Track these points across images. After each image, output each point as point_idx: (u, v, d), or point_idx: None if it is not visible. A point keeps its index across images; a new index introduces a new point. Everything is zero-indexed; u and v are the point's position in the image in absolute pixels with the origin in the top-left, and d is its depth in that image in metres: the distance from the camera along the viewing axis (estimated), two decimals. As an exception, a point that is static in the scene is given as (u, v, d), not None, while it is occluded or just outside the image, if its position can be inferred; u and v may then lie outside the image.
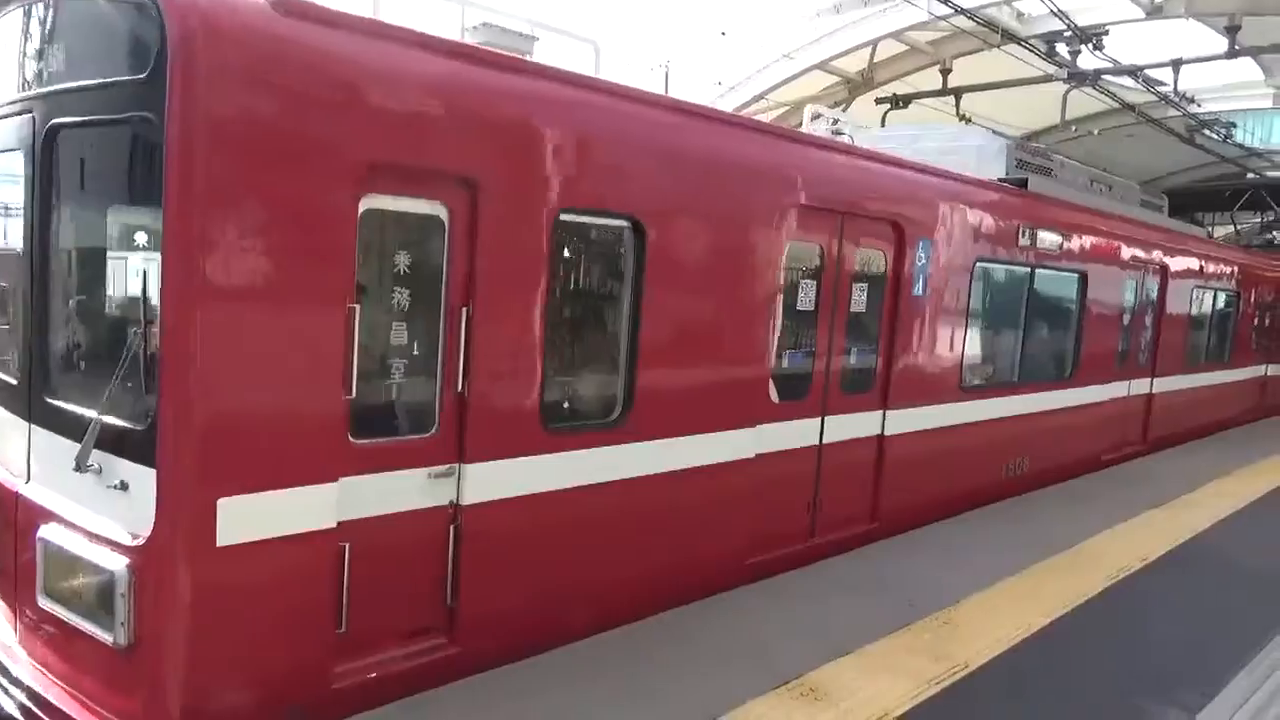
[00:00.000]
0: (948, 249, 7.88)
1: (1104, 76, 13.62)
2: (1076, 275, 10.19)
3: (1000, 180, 9.10)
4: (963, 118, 16.29)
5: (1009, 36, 13.65)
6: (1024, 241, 8.96)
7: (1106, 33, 12.85)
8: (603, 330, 5.56)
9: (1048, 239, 9.31)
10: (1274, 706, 4.91)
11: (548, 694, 4.40)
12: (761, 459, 6.25)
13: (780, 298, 6.34)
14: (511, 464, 4.75)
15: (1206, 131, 17.40)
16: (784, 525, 6.66)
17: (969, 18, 12.90)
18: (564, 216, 4.85)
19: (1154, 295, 12.22)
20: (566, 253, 5.21)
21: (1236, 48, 12.96)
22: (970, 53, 17.80)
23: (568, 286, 5.30)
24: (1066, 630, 5.77)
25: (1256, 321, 16.72)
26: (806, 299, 6.64)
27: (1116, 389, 11.38)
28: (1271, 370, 17.77)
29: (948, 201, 7.94)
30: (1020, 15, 17.07)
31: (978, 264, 8.34)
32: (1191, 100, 15.69)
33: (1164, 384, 12.73)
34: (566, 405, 5.28)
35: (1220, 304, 14.97)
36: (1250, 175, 22.73)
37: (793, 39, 19.40)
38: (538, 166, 4.73)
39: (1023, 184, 9.29)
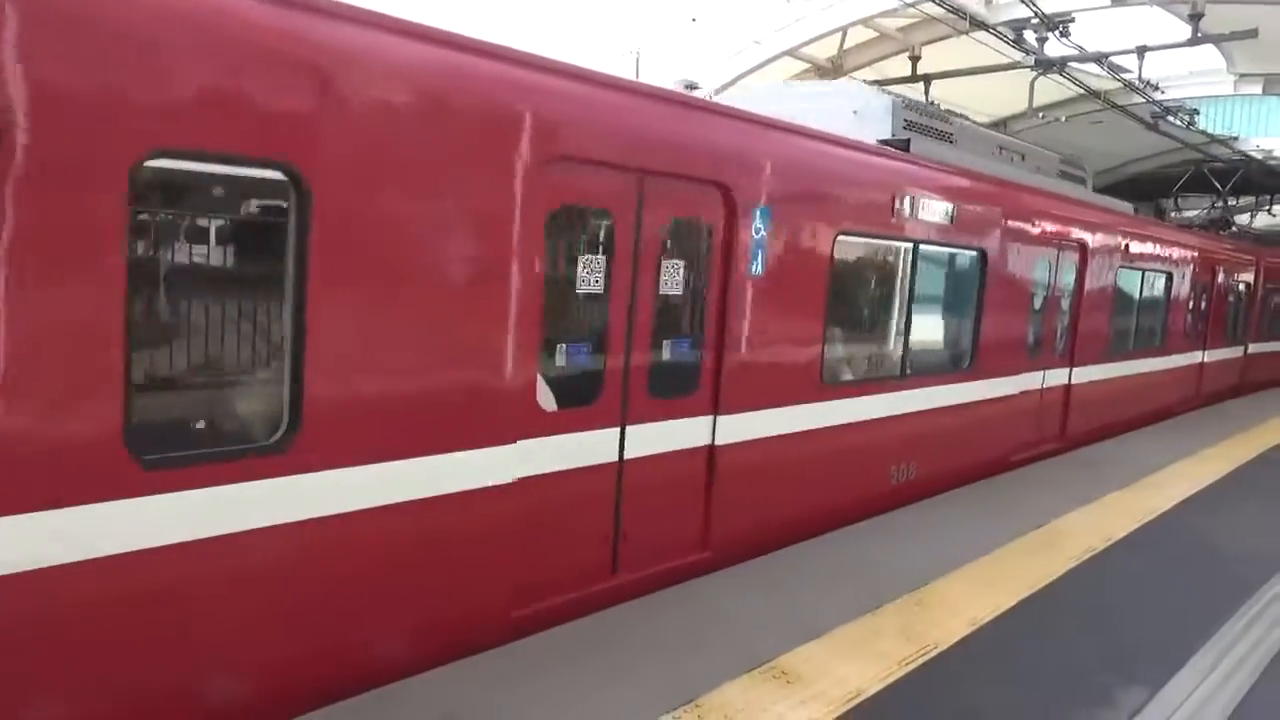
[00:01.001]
0: (796, 220, 6.59)
1: (1070, 64, 13.76)
2: (975, 253, 9.03)
3: (881, 142, 8.06)
4: (931, 104, 16.39)
5: (977, 23, 13.74)
6: (903, 213, 7.73)
7: (1073, 20, 13.00)
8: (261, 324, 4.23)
9: (935, 210, 8.13)
10: (1234, 680, 5.03)
11: (520, 680, 4.40)
12: (528, 483, 4.94)
13: (543, 277, 4.90)
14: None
15: (1170, 118, 17.65)
16: (571, 564, 5.34)
17: (938, 4, 12.96)
18: (153, 163, 3.45)
19: (1072, 277, 11.16)
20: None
21: (1199, 35, 13.13)
22: (939, 39, 17.93)
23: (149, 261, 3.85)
24: (1034, 610, 5.87)
25: (1194, 305, 15.65)
26: (592, 280, 5.32)
27: (1027, 381, 10.34)
28: (1210, 356, 16.86)
29: (796, 163, 6.71)
30: (988, 2, 17.19)
31: (839, 238, 7.01)
32: (1156, 87, 15.91)
33: (1085, 374, 11.67)
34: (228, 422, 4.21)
35: (1152, 286, 13.91)
36: (1215, 162, 23.06)
37: (762, 25, 19.40)
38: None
39: (905, 146, 8.18)
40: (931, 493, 8.45)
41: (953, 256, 9.02)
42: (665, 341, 5.84)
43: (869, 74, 18.65)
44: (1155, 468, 10.46)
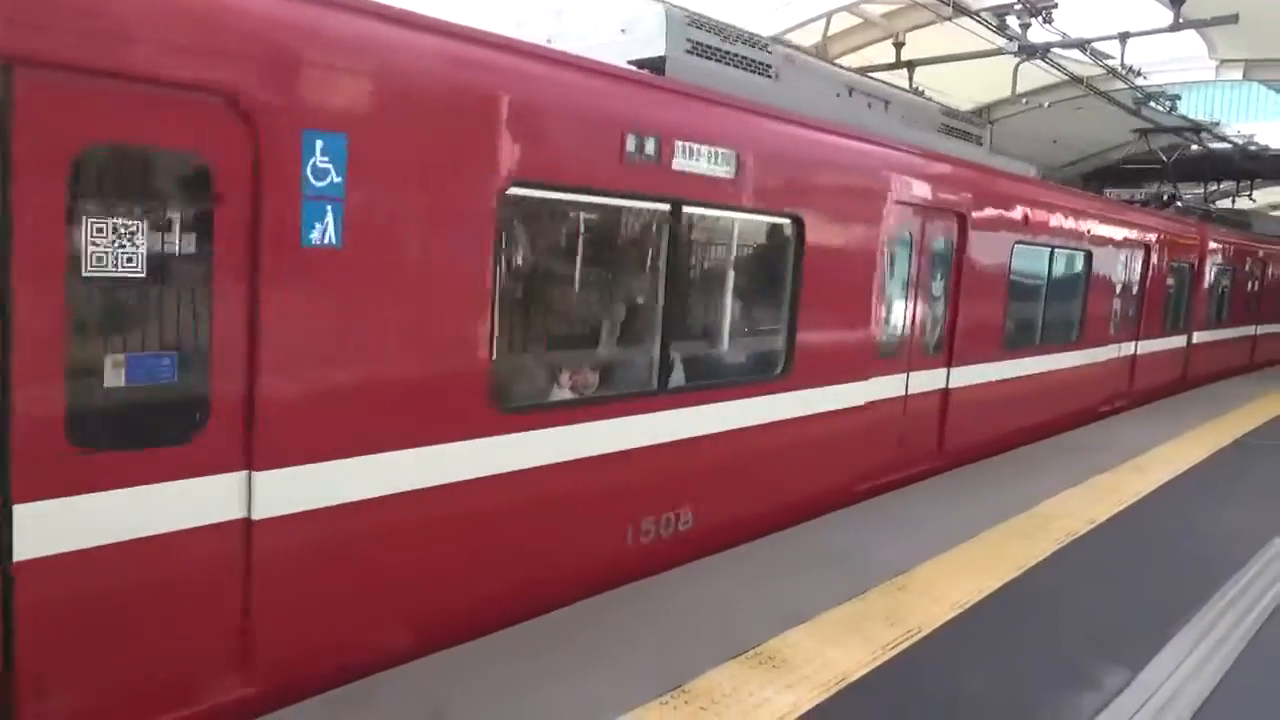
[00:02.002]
0: (410, 163, 4.32)
1: (1053, 50, 13.80)
2: (788, 221, 6.78)
3: (630, 63, 5.89)
4: (917, 91, 16.42)
5: (960, 9, 13.73)
6: (640, 160, 5.44)
7: (1056, 5, 13.01)
8: None
9: (709, 160, 5.96)
10: (1213, 661, 5.10)
11: (509, 663, 4.42)
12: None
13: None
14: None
15: (1152, 104, 17.73)
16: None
17: (921, -10, 12.96)
18: None
19: (948, 255, 9.00)
20: None
21: (1180, 20, 13.18)
22: (923, 26, 17.92)
23: None
24: (1017, 593, 5.93)
25: (1123, 289, 13.52)
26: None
27: (879, 388, 8.05)
28: (1145, 348, 14.67)
29: (405, 73, 4.28)
30: (972, -12, 17.21)
31: (510, 191, 4.77)
32: (1138, 74, 15.99)
33: (970, 375, 9.48)
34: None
35: (1066, 267, 11.68)
36: (1194, 148, 23.16)
37: (746, 11, 19.35)
38: None
39: (657, 67, 5.97)
40: (719, 546, 6.27)
41: (742, 225, 6.78)
42: (132, 352, 3.66)
43: (853, 60, 18.62)
44: (1137, 451, 10.55)
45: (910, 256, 8.47)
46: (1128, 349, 14.10)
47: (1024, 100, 20.34)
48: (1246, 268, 19.68)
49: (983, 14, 13.72)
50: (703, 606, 5.32)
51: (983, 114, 23.17)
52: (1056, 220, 11.07)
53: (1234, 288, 18.92)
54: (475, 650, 4.58)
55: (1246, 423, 13.17)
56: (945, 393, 9.16)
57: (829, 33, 19.93)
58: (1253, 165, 22.72)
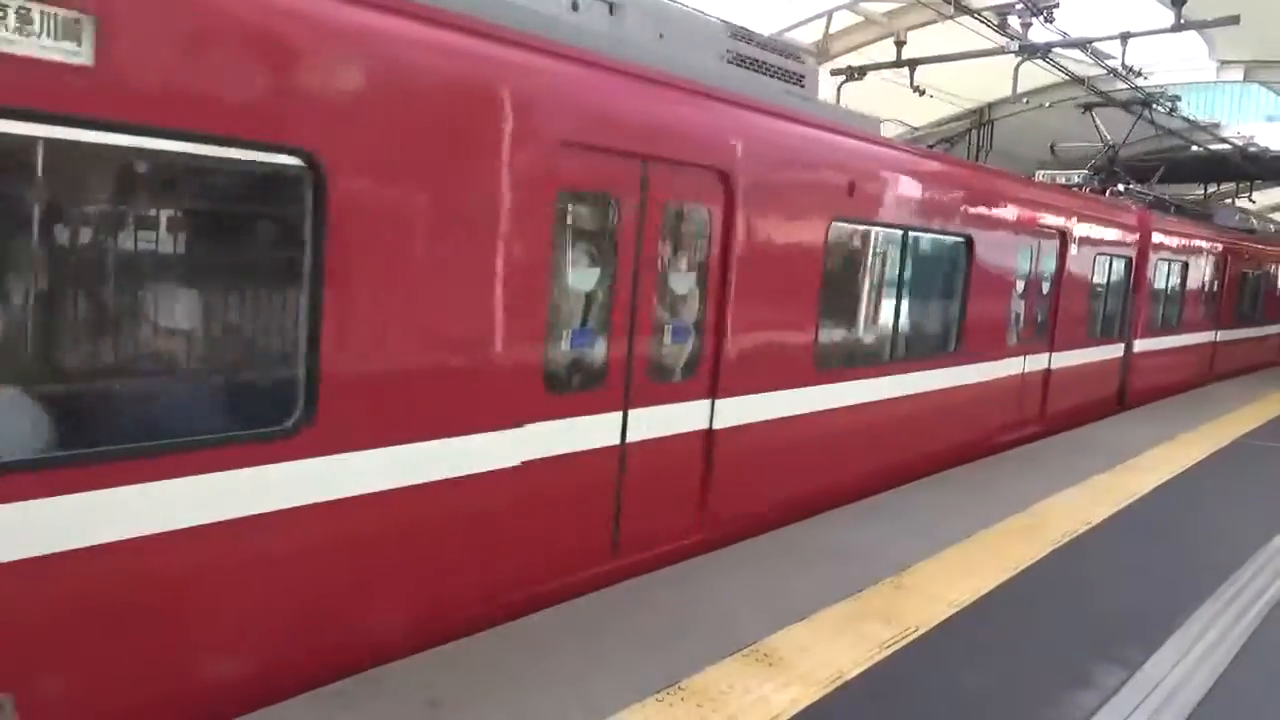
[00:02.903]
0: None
1: (1054, 49, 13.79)
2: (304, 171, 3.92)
3: None
4: (917, 90, 16.44)
5: (962, 8, 13.74)
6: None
7: (1057, 5, 13.01)
8: None
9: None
10: (1210, 660, 5.10)
11: (504, 665, 4.42)
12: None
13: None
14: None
15: (1154, 105, 17.72)
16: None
17: (922, -12, 12.96)
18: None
19: (702, 233, 6.17)
20: None
21: (1182, 21, 13.18)
22: (924, 24, 17.94)
23: None
24: (1014, 593, 5.92)
25: (1027, 288, 10.80)
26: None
27: (557, 438, 5.20)
28: (1062, 361, 11.76)
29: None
30: (973, -13, 17.22)
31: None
32: (1139, 74, 15.98)
33: (750, 408, 6.58)
34: None
35: (929, 259, 9.10)
36: (1194, 148, 23.15)
37: (747, 9, 19.35)
38: None
39: None
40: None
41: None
42: None
43: (854, 59, 18.62)
44: (1135, 451, 10.56)
45: (637, 248, 5.59)
46: (1038, 362, 11.22)
47: (1025, 100, 20.34)
48: (1204, 264, 17.09)
49: (984, 13, 13.72)
50: (701, 604, 5.31)
51: (983, 113, 23.23)
52: (910, 193, 8.23)
53: (1188, 287, 16.38)
54: (473, 645, 4.58)
55: (1245, 423, 13.18)
56: (709, 435, 6.29)
57: (830, 31, 19.95)
58: (1254, 168, 22.74)
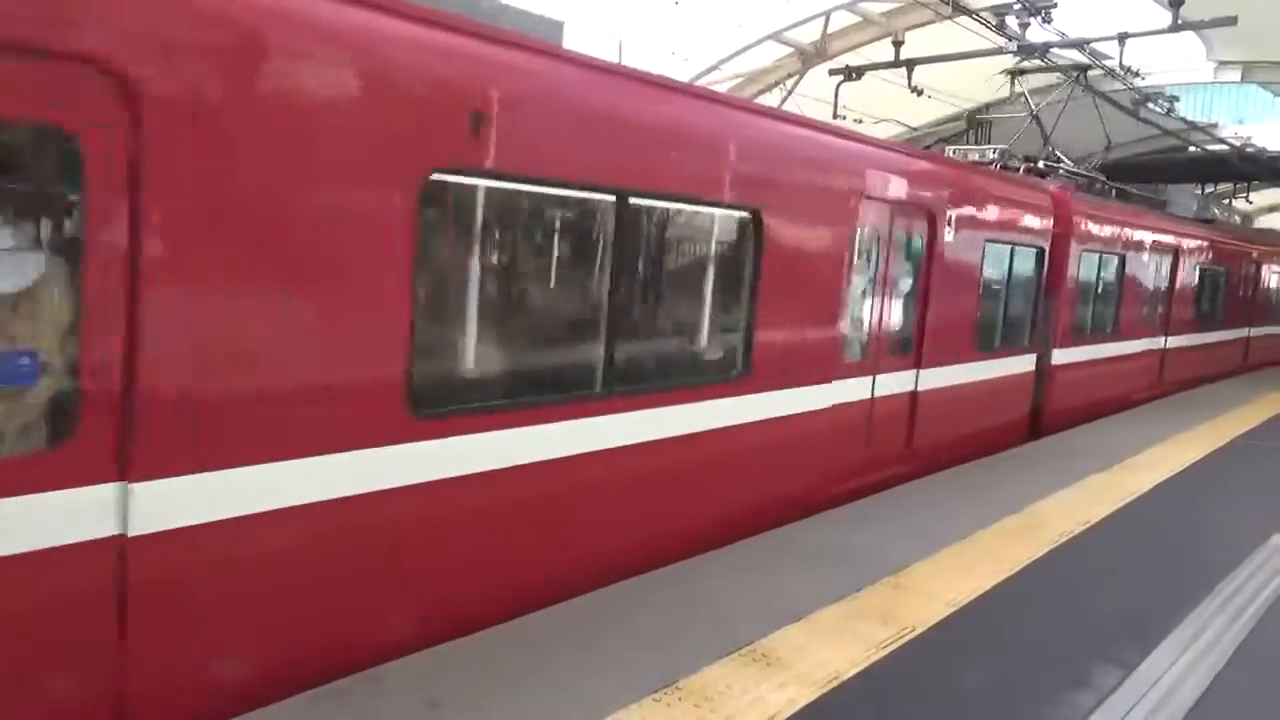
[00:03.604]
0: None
1: (1052, 49, 13.80)
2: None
3: None
4: (915, 90, 16.44)
5: (960, 8, 13.73)
6: None
7: (1055, 5, 13.02)
8: None
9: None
10: (1207, 660, 5.12)
11: (503, 665, 4.42)
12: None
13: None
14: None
15: (1150, 105, 17.75)
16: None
17: (920, -11, 12.96)
18: None
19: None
20: None
21: (1179, 22, 13.19)
22: (922, 25, 17.95)
23: None
24: (1011, 593, 5.93)
25: (876, 284, 8.22)
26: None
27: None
28: (931, 381, 9.11)
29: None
30: (971, -13, 17.23)
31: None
32: (1136, 74, 16.00)
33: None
34: None
35: (701, 240, 6.55)
36: (1191, 149, 23.16)
37: (746, 9, 19.38)
38: None
39: None
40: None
41: None
42: None
43: (852, 58, 18.63)
44: (1132, 451, 10.57)
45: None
46: (892, 384, 8.57)
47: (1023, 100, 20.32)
48: (1149, 257, 14.48)
49: (982, 13, 13.72)
50: (698, 604, 5.32)
51: (980, 113, 23.22)
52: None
53: (1128, 285, 13.82)
54: (472, 644, 4.58)
55: (1243, 424, 13.20)
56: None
57: (828, 30, 19.95)
58: (1251, 168, 22.75)
